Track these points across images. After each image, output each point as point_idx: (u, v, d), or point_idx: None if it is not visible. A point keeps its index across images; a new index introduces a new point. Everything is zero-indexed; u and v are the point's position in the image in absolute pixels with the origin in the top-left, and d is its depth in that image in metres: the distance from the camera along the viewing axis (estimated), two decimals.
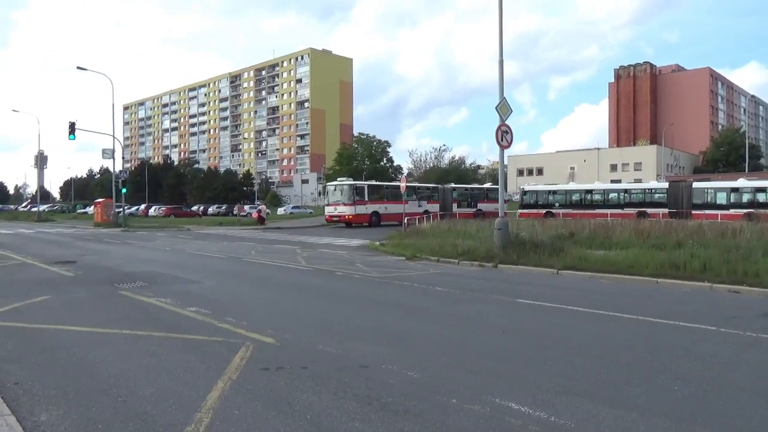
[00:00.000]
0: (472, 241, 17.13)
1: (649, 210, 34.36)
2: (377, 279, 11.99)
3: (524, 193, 42.12)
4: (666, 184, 37.67)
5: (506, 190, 20.03)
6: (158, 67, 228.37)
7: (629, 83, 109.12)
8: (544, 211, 38.52)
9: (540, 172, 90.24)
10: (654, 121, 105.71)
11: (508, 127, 15.29)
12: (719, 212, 31.05)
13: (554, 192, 41.28)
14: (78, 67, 38.38)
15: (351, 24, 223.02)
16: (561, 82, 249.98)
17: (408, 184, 43.16)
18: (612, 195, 38.63)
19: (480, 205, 41.37)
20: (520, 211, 40.01)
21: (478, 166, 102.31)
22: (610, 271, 11.94)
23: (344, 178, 40.69)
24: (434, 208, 37.78)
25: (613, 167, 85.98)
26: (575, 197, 39.90)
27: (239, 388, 4.70)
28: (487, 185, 47.51)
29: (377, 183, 42.22)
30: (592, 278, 11.77)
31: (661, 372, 5.20)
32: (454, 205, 40.08)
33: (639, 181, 58.22)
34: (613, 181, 60.52)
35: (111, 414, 4.20)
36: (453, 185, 44.52)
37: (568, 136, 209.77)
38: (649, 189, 38.14)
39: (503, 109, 15.23)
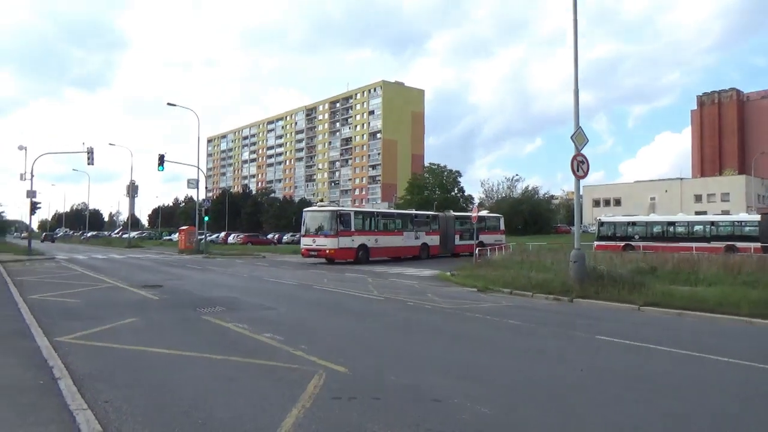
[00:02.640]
0: (546, 273, 16.67)
1: (739, 244, 32.22)
2: (448, 310, 11.88)
3: (601, 224, 40.61)
4: (758, 217, 35.24)
5: (581, 222, 19.28)
6: (240, 101, 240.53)
7: (714, 110, 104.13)
8: (622, 243, 36.94)
9: (618, 202, 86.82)
10: (742, 149, 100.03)
11: (584, 157, 14.90)
12: None
13: (634, 223, 39.56)
14: (168, 103, 41.27)
15: (425, 57, 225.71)
16: (640, 110, 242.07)
17: (402, 212, 39.75)
18: (697, 227, 36.55)
19: (481, 237, 34.67)
20: (596, 243, 38.49)
21: (552, 196, 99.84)
22: (697, 309, 11.22)
23: (326, 204, 34.97)
24: (433, 239, 33.13)
25: (698, 198, 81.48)
26: (656, 229, 38.03)
27: (313, 416, 4.76)
28: (485, 212, 41.38)
29: (366, 210, 36.28)
30: (678, 316, 11.12)
31: (759, 423, 4.83)
32: (457, 237, 34.51)
33: (726, 213, 54.82)
34: (697, 213, 57.22)
35: None
36: (454, 213, 37.94)
37: (648, 166, 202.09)
38: (738, 221, 35.83)
39: (579, 138, 14.88)
